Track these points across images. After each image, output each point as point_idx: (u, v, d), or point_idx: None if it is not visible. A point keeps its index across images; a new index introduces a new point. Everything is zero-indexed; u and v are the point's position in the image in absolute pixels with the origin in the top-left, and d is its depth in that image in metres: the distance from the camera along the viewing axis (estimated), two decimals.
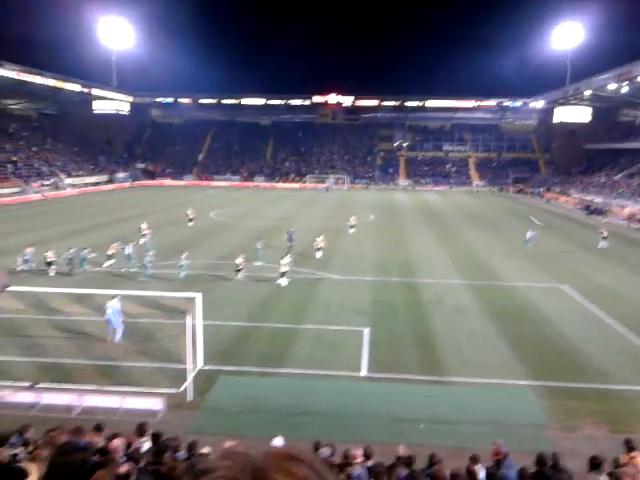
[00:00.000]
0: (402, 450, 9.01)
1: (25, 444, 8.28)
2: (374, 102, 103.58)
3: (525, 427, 13.39)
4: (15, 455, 7.04)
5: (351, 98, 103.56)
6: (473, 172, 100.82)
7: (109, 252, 29.74)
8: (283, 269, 26.53)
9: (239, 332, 19.93)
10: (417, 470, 8.08)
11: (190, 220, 44.64)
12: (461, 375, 16.45)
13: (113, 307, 18.35)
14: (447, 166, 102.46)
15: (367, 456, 8.88)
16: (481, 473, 8.44)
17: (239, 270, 27.15)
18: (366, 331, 19.73)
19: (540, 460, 8.54)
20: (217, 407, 14.28)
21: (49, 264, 27.41)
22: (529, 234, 37.98)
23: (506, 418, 13.80)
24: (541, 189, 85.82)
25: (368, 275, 28.73)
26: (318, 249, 32.69)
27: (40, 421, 11.55)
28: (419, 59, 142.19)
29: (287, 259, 27.22)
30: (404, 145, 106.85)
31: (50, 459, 6.21)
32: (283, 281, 26.38)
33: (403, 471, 7.86)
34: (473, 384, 15.91)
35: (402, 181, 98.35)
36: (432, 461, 8.60)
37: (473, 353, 18.24)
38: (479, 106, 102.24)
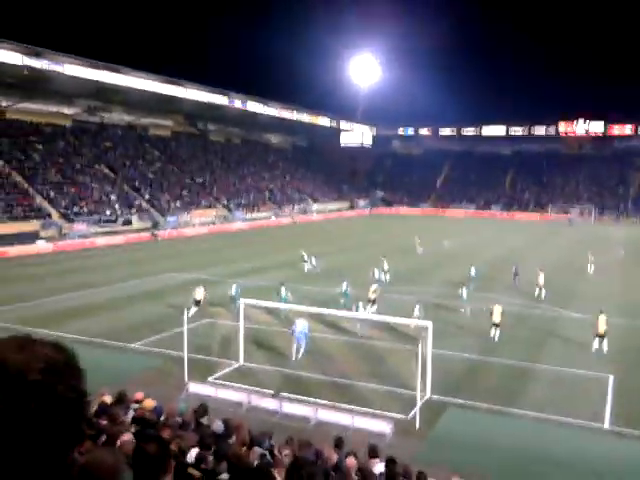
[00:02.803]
0: None
1: (269, 449, 9.14)
2: (629, 128, 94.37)
3: None
4: (264, 455, 7.84)
5: (601, 124, 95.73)
6: None
7: (371, 297, 24.93)
8: (496, 319, 21.71)
9: (469, 364, 19.53)
10: None
11: (419, 247, 45.01)
12: None
13: (301, 325, 19.12)
14: None
15: None
16: None
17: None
18: (611, 378, 17.89)
19: None
20: (444, 439, 14.10)
21: (197, 302, 23.96)
22: None
23: None
24: None
25: (613, 317, 25.97)
26: (539, 287, 28.90)
27: (281, 428, 12.63)
28: None
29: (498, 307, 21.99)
30: None
31: (288, 468, 6.80)
32: (496, 334, 21.82)
33: None
34: None
35: None
36: None
37: None
38: None
